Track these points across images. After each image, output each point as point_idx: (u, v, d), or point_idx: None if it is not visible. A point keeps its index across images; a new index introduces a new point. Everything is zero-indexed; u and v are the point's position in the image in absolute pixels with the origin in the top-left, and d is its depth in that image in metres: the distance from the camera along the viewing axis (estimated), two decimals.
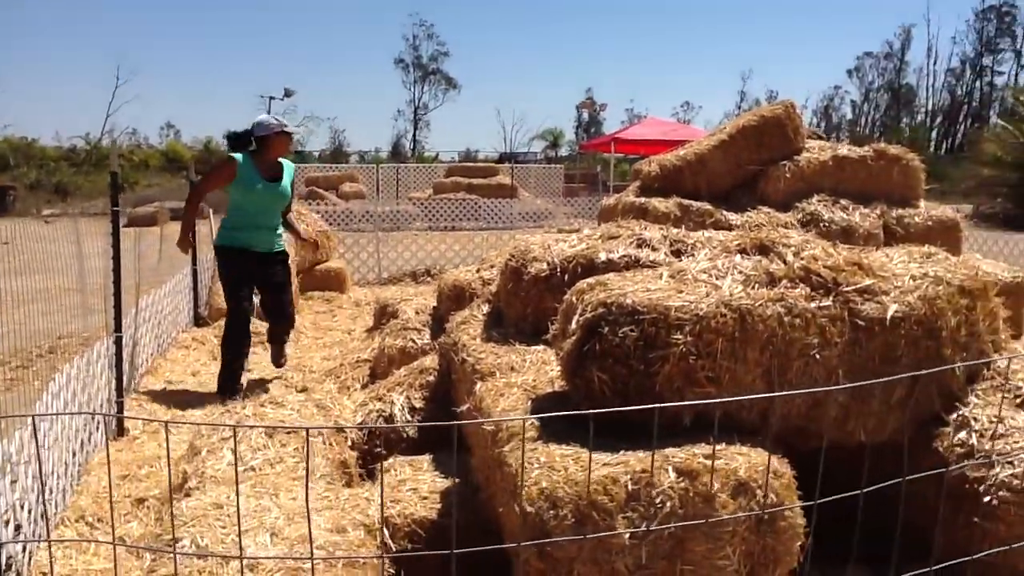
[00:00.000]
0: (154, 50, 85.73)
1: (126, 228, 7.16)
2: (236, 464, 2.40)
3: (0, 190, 25.80)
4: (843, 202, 7.07)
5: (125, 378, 5.46)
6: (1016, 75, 60.85)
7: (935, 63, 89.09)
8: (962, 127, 63.31)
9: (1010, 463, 2.63)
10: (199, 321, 8.77)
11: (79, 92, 79.74)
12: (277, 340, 6.56)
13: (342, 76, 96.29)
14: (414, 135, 65.67)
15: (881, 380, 2.61)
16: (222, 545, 2.94)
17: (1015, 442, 2.70)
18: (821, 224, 6.78)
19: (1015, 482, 2.59)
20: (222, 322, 6.72)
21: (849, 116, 71.98)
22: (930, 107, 66.16)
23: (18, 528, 3.36)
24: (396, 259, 12.95)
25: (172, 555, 2.92)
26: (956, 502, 2.69)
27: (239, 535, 2.53)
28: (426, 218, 20.77)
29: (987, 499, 2.61)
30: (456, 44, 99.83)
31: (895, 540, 2.38)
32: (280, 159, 6.35)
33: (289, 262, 6.63)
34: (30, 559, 3.53)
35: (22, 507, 3.45)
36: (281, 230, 6.43)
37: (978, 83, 64.25)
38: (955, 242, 7.14)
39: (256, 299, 6.69)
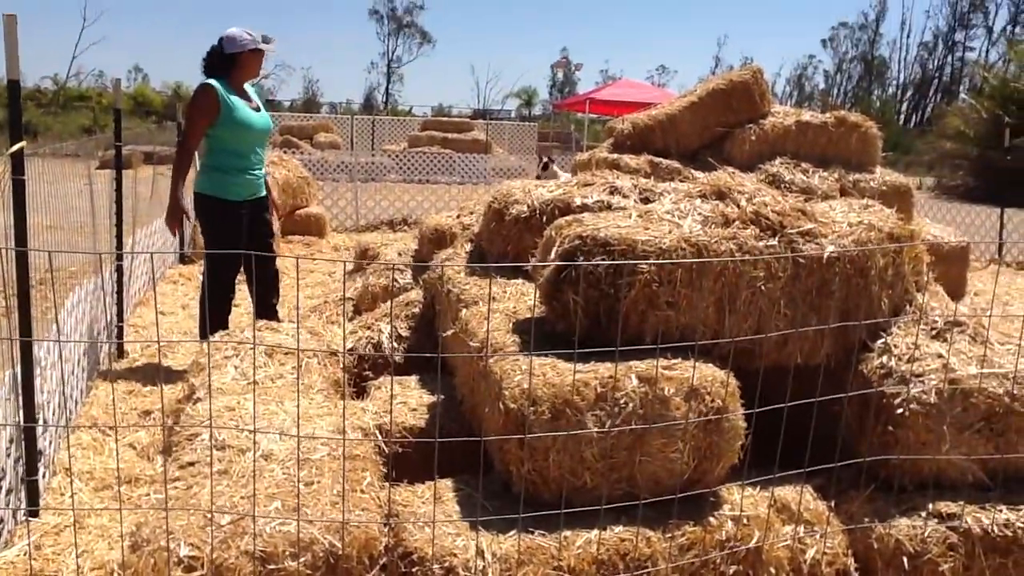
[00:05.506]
0: None
1: (99, 170, 7.38)
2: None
3: None
4: (804, 165, 7.48)
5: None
6: (987, 51, 61.80)
7: (908, 36, 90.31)
8: (932, 101, 64.31)
9: (921, 382, 3.09)
10: (183, 259, 9.07)
11: (45, 32, 78.18)
12: (269, 315, 5.39)
13: (315, 25, 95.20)
14: (387, 88, 65.62)
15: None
16: (237, 440, 3.33)
17: (927, 365, 3.15)
18: (782, 185, 7.18)
19: (923, 397, 3.05)
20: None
21: (822, 86, 72.72)
22: (902, 80, 67.09)
23: (45, 423, 3.72)
24: (374, 207, 13.26)
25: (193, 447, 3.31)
26: (876, 414, 3.15)
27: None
28: (401, 170, 21.01)
29: (900, 411, 3.06)
30: None
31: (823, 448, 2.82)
32: (245, 83, 5.43)
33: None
34: (54, 456, 3.90)
35: (47, 406, 3.82)
36: (264, 170, 5.60)
37: (949, 58, 65.18)
38: (907, 206, 7.57)
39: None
